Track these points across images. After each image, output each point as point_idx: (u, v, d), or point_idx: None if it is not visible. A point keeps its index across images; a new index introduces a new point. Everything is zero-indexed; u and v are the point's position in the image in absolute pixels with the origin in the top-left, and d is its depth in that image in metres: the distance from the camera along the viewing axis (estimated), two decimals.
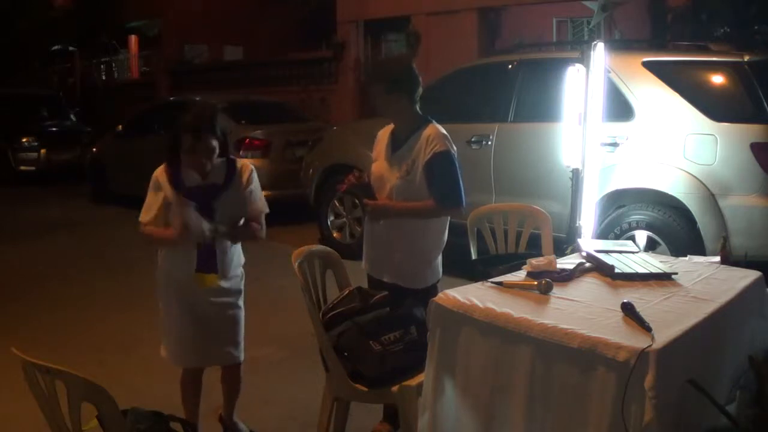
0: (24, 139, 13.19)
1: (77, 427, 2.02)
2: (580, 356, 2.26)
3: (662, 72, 5.26)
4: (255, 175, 3.28)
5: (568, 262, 3.11)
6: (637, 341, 2.20)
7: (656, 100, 5.24)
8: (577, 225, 4.66)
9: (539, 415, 2.38)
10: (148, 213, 3.19)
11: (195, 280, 3.17)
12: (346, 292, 3.25)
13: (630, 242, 3.71)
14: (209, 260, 3.18)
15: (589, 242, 3.77)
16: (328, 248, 3.52)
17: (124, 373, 4.26)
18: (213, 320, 3.29)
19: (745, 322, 2.86)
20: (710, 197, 4.92)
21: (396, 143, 3.39)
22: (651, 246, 4.98)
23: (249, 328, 5.18)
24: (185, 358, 3.38)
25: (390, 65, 3.70)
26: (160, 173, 3.18)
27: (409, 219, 3.29)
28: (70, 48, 20.95)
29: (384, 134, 3.52)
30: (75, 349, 4.74)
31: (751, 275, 3.00)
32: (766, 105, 4.84)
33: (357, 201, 7.15)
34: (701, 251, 4.65)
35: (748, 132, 4.86)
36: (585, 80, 4.57)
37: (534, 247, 4.19)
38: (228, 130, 3.32)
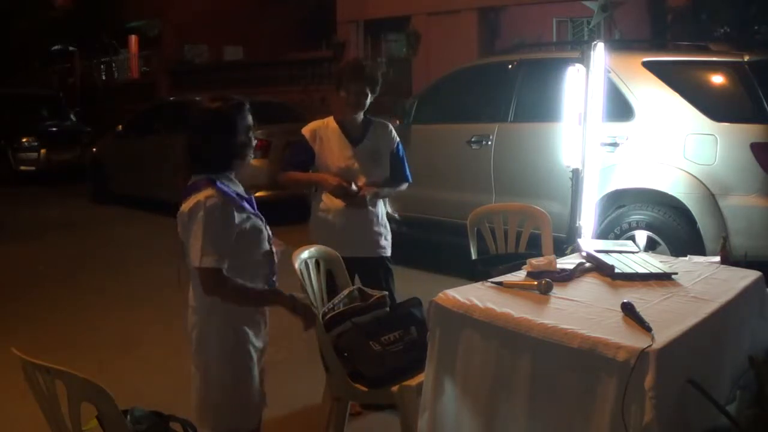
0: (24, 139, 13.20)
1: (77, 427, 2.02)
2: (580, 356, 2.26)
3: (662, 72, 5.25)
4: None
5: (568, 262, 3.11)
6: (637, 341, 2.20)
7: (656, 100, 5.24)
8: (577, 225, 4.66)
9: (539, 415, 2.38)
10: None
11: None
12: (346, 292, 3.25)
13: (630, 242, 3.70)
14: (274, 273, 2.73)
15: (589, 242, 3.77)
16: (328, 248, 3.52)
17: (124, 373, 4.26)
18: (261, 366, 2.75)
19: (745, 322, 2.86)
20: (710, 197, 4.92)
21: (352, 137, 3.72)
22: (651, 246, 4.97)
23: None
24: (256, 412, 2.71)
25: (376, 70, 3.91)
26: None
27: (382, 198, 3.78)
28: (70, 48, 20.95)
29: (325, 131, 3.73)
30: (75, 349, 4.74)
31: (751, 275, 3.00)
32: (766, 105, 4.83)
33: None
34: (701, 251, 4.65)
35: (748, 132, 4.86)
36: (585, 80, 4.57)
37: (534, 247, 4.19)
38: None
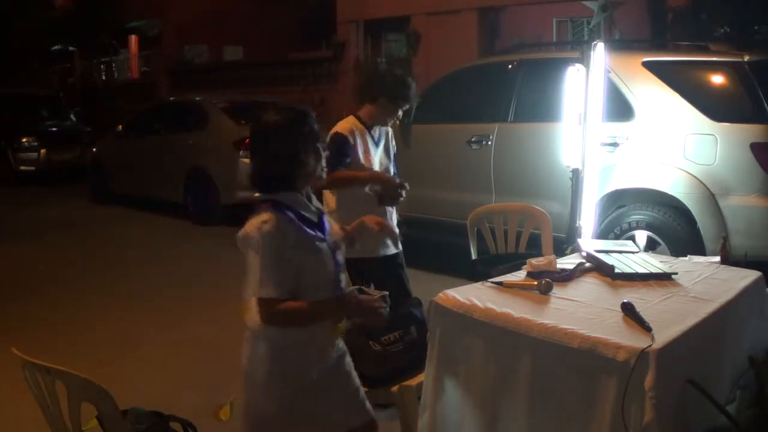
0: (24, 139, 13.20)
1: (77, 427, 2.02)
2: (580, 356, 2.26)
3: (662, 72, 5.25)
4: None
5: (568, 262, 3.12)
6: (637, 341, 2.20)
7: (656, 100, 5.24)
8: (577, 225, 4.66)
9: (539, 415, 2.38)
10: None
11: (333, 333, 2.44)
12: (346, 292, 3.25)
13: (630, 242, 3.71)
14: None
15: (589, 242, 3.77)
16: None
17: (124, 373, 4.26)
18: (343, 376, 2.52)
19: (745, 322, 2.86)
20: (710, 197, 4.92)
21: (375, 139, 3.81)
22: (651, 246, 4.97)
23: None
24: None
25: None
26: None
27: None
28: (70, 48, 20.96)
29: (357, 133, 3.73)
30: (75, 349, 4.74)
31: (751, 275, 3.00)
32: (766, 105, 4.83)
33: None
34: (701, 251, 4.65)
35: (748, 132, 4.86)
36: (585, 80, 4.57)
37: (534, 247, 4.20)
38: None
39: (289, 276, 2.24)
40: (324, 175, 2.43)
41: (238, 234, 2.32)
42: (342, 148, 3.67)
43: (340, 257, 2.43)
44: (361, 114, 3.76)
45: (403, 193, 3.63)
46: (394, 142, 3.95)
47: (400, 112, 3.75)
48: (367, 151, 3.72)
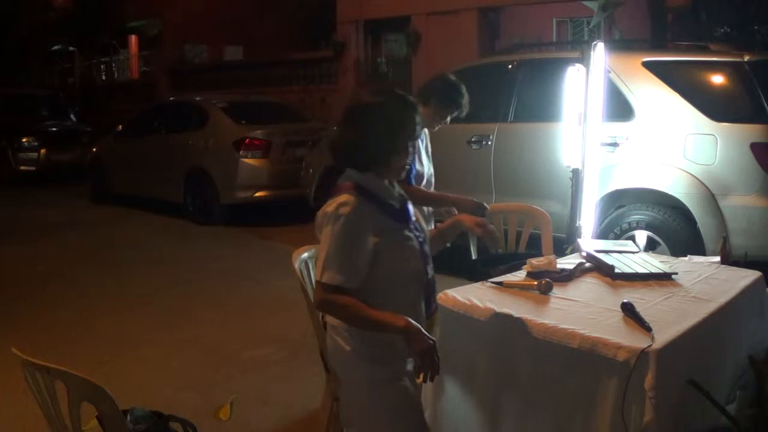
0: (24, 139, 13.19)
1: (77, 427, 2.02)
2: (580, 356, 2.26)
3: (662, 72, 5.26)
4: None
5: (568, 262, 3.12)
6: (637, 341, 2.20)
7: (656, 100, 5.24)
8: (577, 225, 4.65)
9: (539, 415, 2.38)
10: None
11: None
12: None
13: (630, 242, 3.70)
14: (432, 294, 2.38)
15: (589, 242, 3.76)
16: None
17: (124, 373, 4.26)
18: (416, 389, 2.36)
19: (745, 322, 2.86)
20: (710, 197, 4.92)
21: (422, 141, 3.75)
22: (651, 246, 4.97)
23: (249, 328, 5.20)
24: None
25: None
26: None
27: None
28: (70, 48, 20.95)
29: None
30: (75, 348, 4.74)
31: (751, 275, 3.00)
32: (766, 105, 4.83)
33: None
34: (701, 251, 4.65)
35: (748, 132, 4.86)
36: (585, 80, 4.56)
37: (534, 247, 4.19)
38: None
39: (361, 265, 2.08)
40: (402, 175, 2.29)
41: (319, 210, 2.17)
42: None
43: (428, 249, 2.31)
44: None
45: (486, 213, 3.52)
46: (429, 142, 3.91)
47: (449, 118, 3.72)
48: (421, 158, 3.70)
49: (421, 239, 2.25)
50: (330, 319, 2.24)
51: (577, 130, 4.65)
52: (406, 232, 2.20)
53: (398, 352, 2.13)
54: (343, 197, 2.10)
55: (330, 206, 2.11)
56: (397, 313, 2.07)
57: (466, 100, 3.70)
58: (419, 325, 2.07)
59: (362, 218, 2.08)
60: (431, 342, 2.06)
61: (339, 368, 2.26)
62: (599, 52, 4.57)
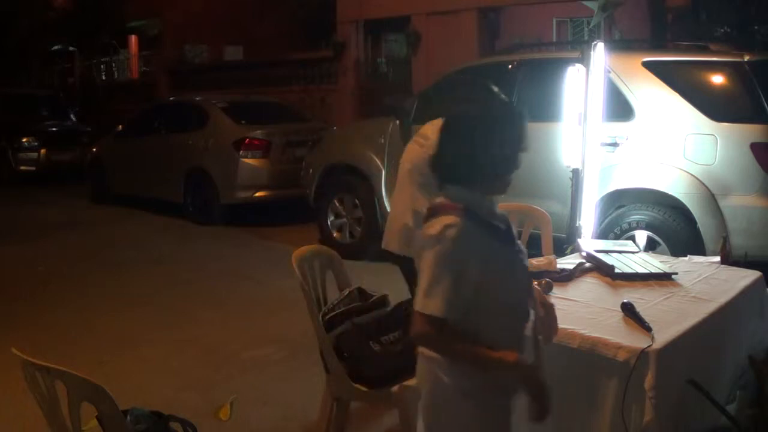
0: (24, 139, 13.19)
1: (77, 427, 2.02)
2: (580, 356, 2.26)
3: (662, 72, 5.26)
4: None
5: (568, 262, 3.12)
6: (637, 341, 2.20)
7: (656, 100, 5.24)
8: (577, 225, 4.66)
9: None
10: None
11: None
12: (346, 292, 3.25)
13: (630, 242, 3.71)
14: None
15: (589, 242, 3.77)
16: (328, 248, 3.52)
17: (124, 373, 4.26)
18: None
19: (745, 322, 2.86)
20: (710, 197, 4.92)
21: None
22: (651, 246, 4.97)
23: (249, 328, 5.20)
24: None
25: None
26: None
27: None
28: (70, 48, 20.94)
29: None
30: (75, 348, 4.74)
31: (751, 275, 3.00)
32: (766, 105, 4.83)
33: (357, 201, 7.15)
34: (701, 251, 4.65)
35: (748, 132, 4.86)
36: (585, 80, 4.57)
37: (534, 247, 4.19)
38: None
39: (467, 294, 1.85)
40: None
41: (421, 232, 1.94)
42: None
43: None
44: None
45: None
46: None
47: None
48: None
49: (525, 262, 2.06)
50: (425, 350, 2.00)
51: (577, 130, 4.65)
52: (512, 256, 1.99)
53: (504, 387, 1.92)
54: (448, 218, 1.86)
55: (433, 228, 1.87)
56: (503, 347, 1.86)
57: None
58: (530, 361, 1.92)
59: (469, 242, 1.86)
60: (543, 381, 1.89)
61: (434, 401, 1.97)
62: (599, 52, 4.57)
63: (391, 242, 3.67)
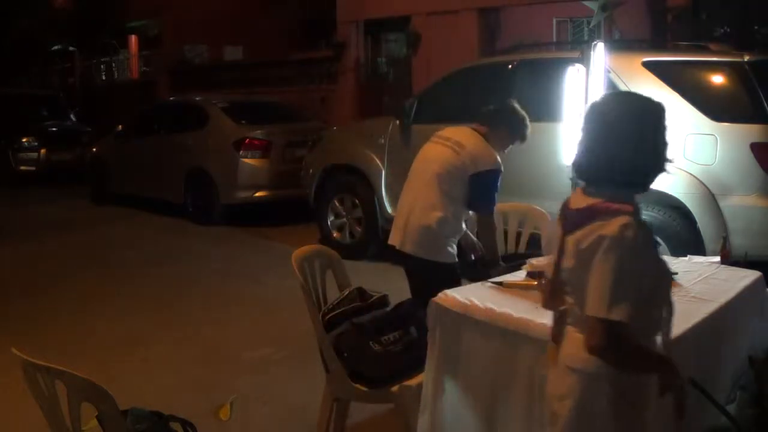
0: (24, 139, 13.19)
1: (77, 427, 2.02)
2: None
3: (662, 72, 5.25)
4: None
5: None
6: None
7: None
8: None
9: (539, 414, 2.38)
10: None
11: (549, 355, 2.06)
12: (346, 292, 3.25)
13: None
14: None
15: None
16: (328, 248, 3.52)
17: (124, 373, 4.26)
18: None
19: (745, 322, 2.86)
20: (710, 197, 4.92)
21: None
22: None
23: (249, 328, 5.20)
24: None
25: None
26: None
27: None
28: (70, 48, 20.94)
29: None
30: (75, 349, 4.74)
31: (751, 275, 3.00)
32: (766, 105, 4.83)
33: (357, 201, 7.15)
34: (701, 251, 4.65)
35: (748, 132, 4.86)
36: (585, 80, 4.57)
37: (534, 247, 4.19)
38: None
39: (643, 296, 1.81)
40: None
41: (576, 236, 1.87)
42: (498, 182, 3.65)
43: None
44: (484, 134, 3.70)
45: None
46: None
47: (510, 148, 3.79)
48: None
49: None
50: (567, 361, 1.91)
51: (577, 130, 4.65)
52: (664, 260, 1.98)
53: (651, 391, 1.90)
54: (623, 219, 1.79)
55: (608, 228, 1.79)
56: (652, 345, 1.90)
57: (529, 131, 3.79)
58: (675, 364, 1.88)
59: (645, 242, 1.83)
60: (683, 379, 1.88)
61: (590, 415, 1.86)
62: (599, 52, 4.58)
63: (405, 243, 3.64)
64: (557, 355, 1.94)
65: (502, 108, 3.81)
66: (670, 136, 2.00)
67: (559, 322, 1.98)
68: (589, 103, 2.05)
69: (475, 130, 3.70)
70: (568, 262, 1.89)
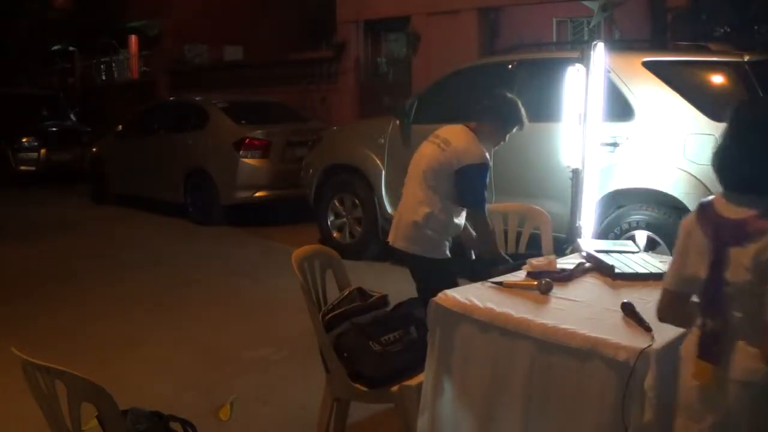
0: (24, 139, 13.19)
1: (77, 427, 2.02)
2: (580, 356, 2.26)
3: (662, 72, 5.25)
4: None
5: (568, 262, 3.12)
6: (637, 341, 2.20)
7: (656, 100, 5.24)
8: (577, 225, 4.65)
9: (539, 414, 2.38)
10: None
11: (698, 373, 1.97)
12: (346, 292, 3.25)
13: (630, 242, 3.71)
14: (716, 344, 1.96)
15: (589, 242, 3.77)
16: (328, 248, 3.53)
17: (124, 373, 4.26)
18: None
19: None
20: None
21: None
22: (651, 246, 4.97)
23: (249, 328, 5.20)
24: None
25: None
26: None
27: None
28: (70, 48, 20.94)
29: None
30: (75, 349, 4.74)
31: None
32: None
33: (357, 201, 7.16)
34: None
35: None
36: (585, 80, 4.56)
37: (534, 247, 4.19)
38: None
39: None
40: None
41: (751, 247, 1.83)
42: (486, 179, 3.74)
43: None
44: (474, 129, 3.76)
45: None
46: None
47: (507, 137, 3.85)
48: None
49: None
50: (738, 374, 1.89)
51: (577, 130, 4.65)
52: None
53: None
54: None
55: None
56: None
57: (524, 113, 3.83)
58: None
59: None
60: None
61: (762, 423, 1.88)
62: (599, 52, 4.57)
63: (397, 239, 3.73)
64: (711, 372, 1.91)
65: (488, 102, 3.89)
66: None
67: (712, 339, 1.92)
68: (741, 107, 2.02)
69: (467, 126, 3.78)
70: (738, 275, 1.85)
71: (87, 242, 8.41)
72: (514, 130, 3.86)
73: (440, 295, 2.72)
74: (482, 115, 3.80)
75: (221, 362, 4.56)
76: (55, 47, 21.13)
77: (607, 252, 3.20)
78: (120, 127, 11.00)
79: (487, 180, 3.74)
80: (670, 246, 4.98)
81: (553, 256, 3.11)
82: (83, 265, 7.26)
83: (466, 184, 3.63)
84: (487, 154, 3.73)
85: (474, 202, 3.71)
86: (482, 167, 3.67)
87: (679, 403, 2.02)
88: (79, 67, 20.99)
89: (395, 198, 4.02)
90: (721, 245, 1.87)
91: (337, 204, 7.35)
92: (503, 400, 2.48)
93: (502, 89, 3.99)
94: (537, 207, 4.42)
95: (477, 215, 3.74)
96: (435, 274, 3.60)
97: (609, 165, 5.22)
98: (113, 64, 20.90)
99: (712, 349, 1.92)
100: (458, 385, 2.62)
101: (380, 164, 6.91)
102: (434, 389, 2.67)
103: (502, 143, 3.89)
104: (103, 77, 20.96)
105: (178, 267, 7.11)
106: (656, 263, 3.07)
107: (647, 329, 2.26)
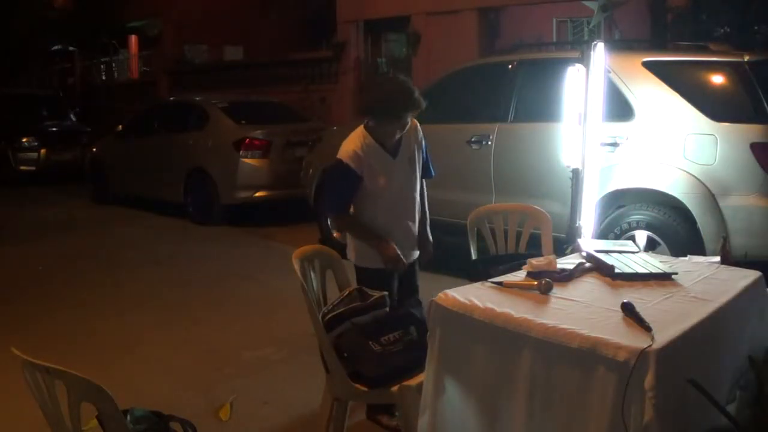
0: (24, 139, 13.21)
1: (77, 427, 2.02)
2: (580, 356, 2.26)
3: (662, 72, 5.25)
4: None
5: (568, 262, 3.12)
6: (637, 341, 2.20)
7: (656, 100, 5.24)
8: (577, 225, 4.65)
9: (539, 415, 2.38)
10: None
11: None
12: (346, 292, 3.25)
13: (630, 242, 3.70)
14: None
15: (589, 242, 3.76)
16: (328, 248, 3.52)
17: (124, 373, 4.27)
18: None
19: (745, 322, 2.86)
20: (710, 197, 4.92)
21: (391, 150, 3.51)
22: (651, 246, 4.97)
23: (249, 328, 5.20)
24: None
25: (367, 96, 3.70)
26: None
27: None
28: (70, 48, 20.95)
29: (366, 152, 3.41)
30: (75, 349, 4.75)
31: (751, 275, 3.00)
32: (766, 105, 4.83)
33: None
34: (701, 251, 4.65)
35: (748, 132, 4.86)
36: (585, 80, 4.57)
37: (534, 247, 4.19)
38: None
39: None
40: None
41: None
42: (345, 182, 3.40)
43: None
44: (370, 126, 3.47)
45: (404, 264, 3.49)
46: (420, 135, 3.66)
47: (408, 118, 3.46)
48: (378, 172, 3.43)
49: None
50: None
51: (577, 130, 4.65)
52: None
53: None
54: None
55: None
56: None
57: (417, 93, 3.46)
58: None
59: None
60: None
61: None
62: (599, 52, 4.57)
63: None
64: None
65: (378, 98, 3.51)
66: None
67: None
68: None
69: (365, 127, 3.50)
70: None
71: (87, 242, 8.41)
72: (407, 115, 3.44)
73: (440, 295, 2.71)
74: (364, 112, 3.51)
75: (221, 362, 4.56)
76: (55, 47, 21.15)
77: (607, 252, 3.20)
78: (120, 127, 11.01)
79: (345, 181, 3.40)
80: (670, 246, 4.99)
81: (553, 256, 3.10)
82: (83, 265, 7.26)
83: (324, 186, 3.45)
84: (360, 152, 3.37)
85: (328, 207, 3.50)
86: (335, 167, 3.39)
87: None
88: (79, 67, 21.00)
89: None
90: None
91: None
92: (504, 400, 2.48)
93: (385, 82, 3.75)
94: (537, 207, 4.41)
95: (334, 220, 3.51)
96: (369, 284, 3.35)
97: (609, 165, 5.22)
98: (113, 64, 20.92)
99: None
100: (458, 385, 2.62)
101: None
102: (434, 389, 2.67)
103: (400, 131, 3.47)
104: (103, 77, 20.97)
105: (178, 267, 7.11)
106: (656, 263, 3.07)
107: (647, 329, 2.26)
